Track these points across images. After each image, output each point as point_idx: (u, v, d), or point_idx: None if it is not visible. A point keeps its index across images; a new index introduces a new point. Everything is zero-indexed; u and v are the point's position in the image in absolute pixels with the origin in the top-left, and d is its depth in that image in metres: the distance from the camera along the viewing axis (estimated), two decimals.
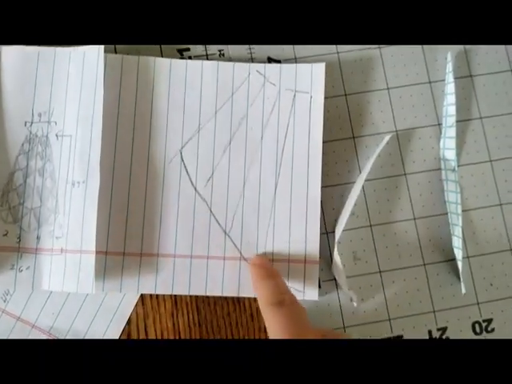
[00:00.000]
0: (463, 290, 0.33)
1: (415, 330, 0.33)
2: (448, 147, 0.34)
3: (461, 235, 0.33)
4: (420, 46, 0.36)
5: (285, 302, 0.28)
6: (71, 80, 0.34)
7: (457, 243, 0.33)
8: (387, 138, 0.34)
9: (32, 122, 0.34)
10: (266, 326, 0.28)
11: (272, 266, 0.32)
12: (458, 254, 0.33)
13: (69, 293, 0.33)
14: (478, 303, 0.34)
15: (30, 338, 0.33)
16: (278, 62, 0.35)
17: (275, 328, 0.28)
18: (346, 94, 0.35)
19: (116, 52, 0.34)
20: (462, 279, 0.33)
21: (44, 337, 0.33)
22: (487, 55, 0.36)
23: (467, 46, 0.36)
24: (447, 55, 0.35)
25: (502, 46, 0.36)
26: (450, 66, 0.35)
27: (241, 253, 0.33)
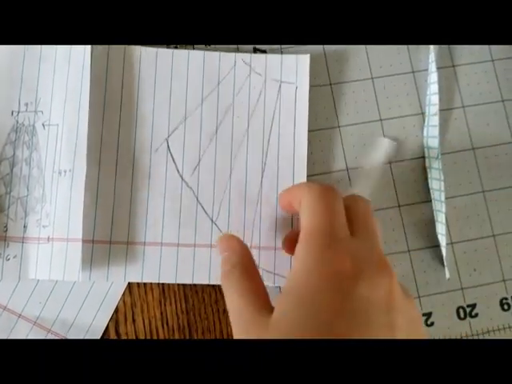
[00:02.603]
0: (447, 275, 0.33)
1: None
2: (431, 135, 0.35)
3: (444, 221, 0.34)
4: None
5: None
6: (58, 70, 0.34)
7: (440, 229, 0.34)
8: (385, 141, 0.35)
9: (19, 112, 0.34)
10: None
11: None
12: (442, 240, 0.33)
13: (56, 282, 0.33)
14: (461, 288, 0.34)
15: (17, 327, 0.33)
16: (264, 51, 0.35)
17: None
18: (331, 84, 0.36)
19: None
20: (445, 264, 0.34)
21: (30, 326, 0.33)
22: (468, 46, 0.36)
23: None
24: (430, 45, 0.36)
25: None
26: (432, 56, 0.35)
27: None
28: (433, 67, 0.35)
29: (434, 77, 0.35)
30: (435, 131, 0.35)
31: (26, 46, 0.34)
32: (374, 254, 0.24)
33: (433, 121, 0.35)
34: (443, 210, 0.34)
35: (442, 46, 0.36)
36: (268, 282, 0.33)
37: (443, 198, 0.34)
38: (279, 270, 0.33)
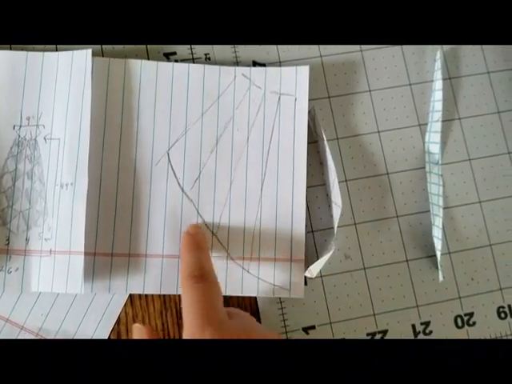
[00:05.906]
0: (440, 278, 0.34)
1: (399, 325, 0.34)
2: (433, 141, 0.35)
3: (441, 226, 0.34)
4: (400, 49, 0.37)
5: (204, 277, 0.29)
6: (59, 84, 0.34)
7: (437, 233, 0.34)
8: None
9: (21, 126, 0.34)
10: (182, 298, 0.28)
11: (204, 238, 0.32)
12: (438, 243, 0.34)
13: (57, 294, 0.33)
14: (459, 297, 0.35)
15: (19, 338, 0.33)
16: (263, 65, 0.36)
17: (186, 301, 0.28)
18: (329, 97, 0.36)
19: (103, 55, 0.35)
20: (439, 267, 0.34)
21: (32, 337, 0.33)
22: (465, 58, 0.37)
23: (445, 49, 0.37)
24: (436, 53, 0.36)
25: (479, 48, 0.37)
26: (438, 64, 0.36)
27: (228, 252, 0.34)
28: (438, 75, 0.36)
29: (439, 84, 0.35)
30: (437, 137, 0.35)
31: (27, 60, 0.34)
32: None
33: (435, 127, 0.35)
34: (440, 214, 0.34)
35: (440, 59, 0.37)
36: (268, 293, 0.33)
37: (441, 203, 0.34)
38: (279, 282, 0.33)
